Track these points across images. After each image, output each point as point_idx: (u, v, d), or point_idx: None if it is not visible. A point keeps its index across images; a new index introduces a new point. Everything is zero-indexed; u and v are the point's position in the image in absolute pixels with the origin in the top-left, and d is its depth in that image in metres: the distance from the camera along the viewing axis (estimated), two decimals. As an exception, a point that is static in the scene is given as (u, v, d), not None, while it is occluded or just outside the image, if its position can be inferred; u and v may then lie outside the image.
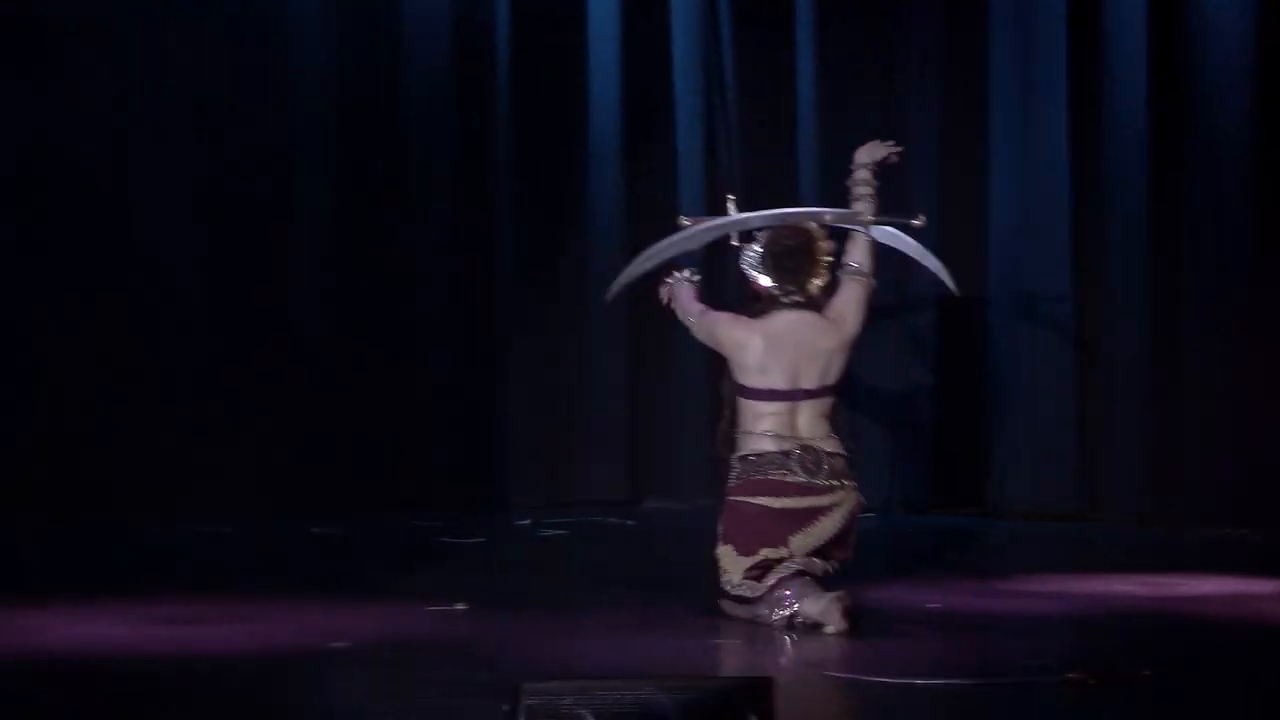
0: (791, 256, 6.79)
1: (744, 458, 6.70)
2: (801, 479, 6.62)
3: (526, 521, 9.23)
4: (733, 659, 6.14)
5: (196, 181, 9.50)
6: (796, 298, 6.75)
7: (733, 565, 6.62)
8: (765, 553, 6.57)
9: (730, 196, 7.33)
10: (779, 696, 4.47)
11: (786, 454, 6.65)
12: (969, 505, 9.80)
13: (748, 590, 6.58)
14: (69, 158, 9.29)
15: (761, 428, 6.68)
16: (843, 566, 6.72)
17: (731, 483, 6.71)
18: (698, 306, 6.87)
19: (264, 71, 9.58)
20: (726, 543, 6.63)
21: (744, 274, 6.87)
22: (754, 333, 6.72)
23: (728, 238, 7.22)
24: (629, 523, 9.40)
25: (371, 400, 9.59)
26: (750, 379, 6.70)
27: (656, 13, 9.92)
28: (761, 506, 6.62)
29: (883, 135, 7.18)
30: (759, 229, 6.98)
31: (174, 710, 5.14)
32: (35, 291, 9.22)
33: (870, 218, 6.91)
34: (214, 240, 9.50)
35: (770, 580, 6.54)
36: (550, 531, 8.97)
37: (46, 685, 5.39)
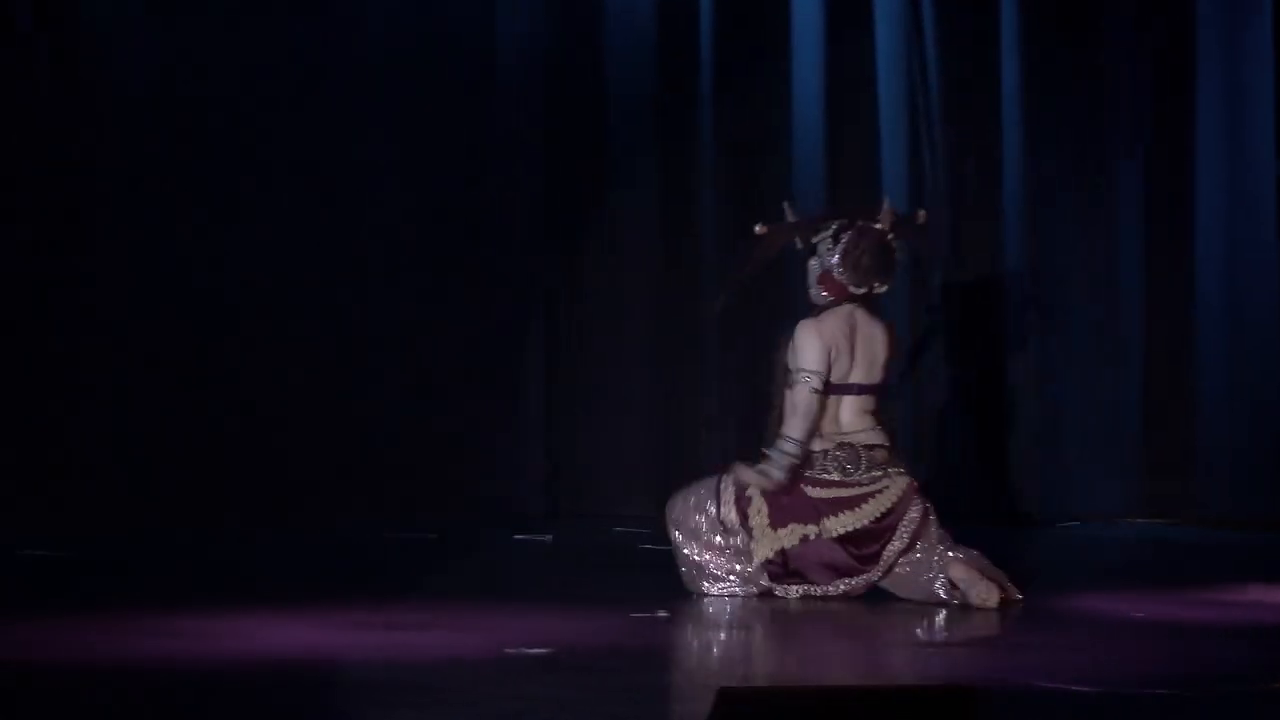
0: (874, 256, 7.00)
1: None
2: (836, 477, 6.91)
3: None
4: (933, 666, 6.06)
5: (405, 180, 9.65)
6: (865, 293, 7.03)
7: (763, 536, 6.90)
8: (794, 527, 6.88)
9: (786, 203, 7.32)
10: (982, 706, 4.40)
11: (825, 453, 6.94)
12: (1170, 514, 9.69)
13: (762, 578, 6.91)
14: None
15: (822, 426, 6.98)
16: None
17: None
18: (805, 387, 6.95)
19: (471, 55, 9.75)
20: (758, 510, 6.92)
21: (818, 271, 7.05)
22: (822, 340, 6.97)
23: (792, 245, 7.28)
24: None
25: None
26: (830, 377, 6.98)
27: (860, 13, 9.86)
28: (801, 491, 6.93)
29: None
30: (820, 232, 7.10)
31: (388, 713, 5.15)
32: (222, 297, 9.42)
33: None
34: (424, 236, 9.68)
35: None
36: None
37: (267, 689, 5.44)
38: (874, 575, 6.91)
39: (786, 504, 6.93)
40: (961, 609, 6.76)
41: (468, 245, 9.82)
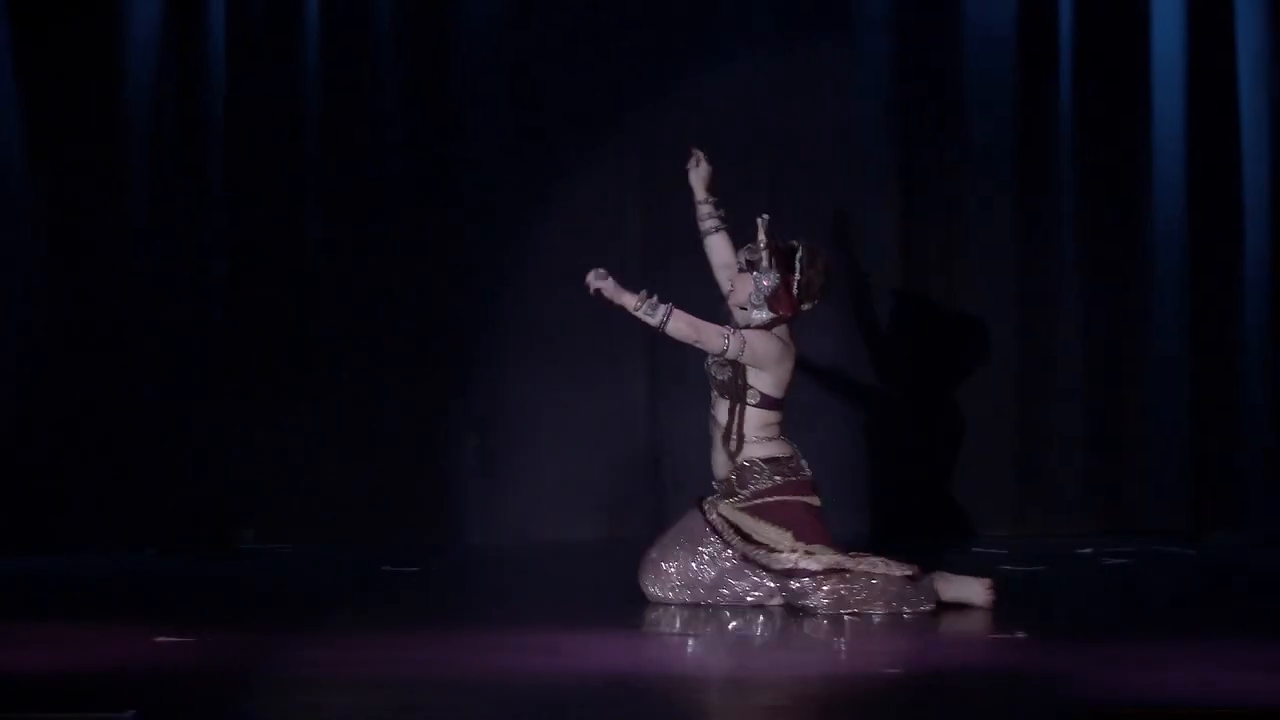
0: (824, 279, 7.25)
1: (773, 460, 7.15)
2: (810, 476, 7.21)
3: (1088, 550, 9.07)
4: None
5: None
6: (807, 310, 7.28)
7: (831, 559, 7.01)
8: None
9: (762, 217, 7.29)
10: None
11: (795, 455, 7.20)
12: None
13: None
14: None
15: (772, 433, 7.17)
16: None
17: (767, 483, 7.13)
18: (715, 326, 7.15)
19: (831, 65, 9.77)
20: (812, 542, 7.02)
21: (769, 288, 7.14)
22: (785, 346, 7.19)
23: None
24: (1188, 552, 9.14)
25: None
26: (780, 390, 7.18)
27: (1221, 39, 9.64)
28: (809, 505, 7.14)
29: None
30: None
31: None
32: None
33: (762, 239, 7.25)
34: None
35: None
36: (1113, 560, 8.79)
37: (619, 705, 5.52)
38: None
39: (819, 529, 7.12)
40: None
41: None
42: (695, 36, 9.72)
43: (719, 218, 7.50)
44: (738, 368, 7.13)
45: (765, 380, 7.16)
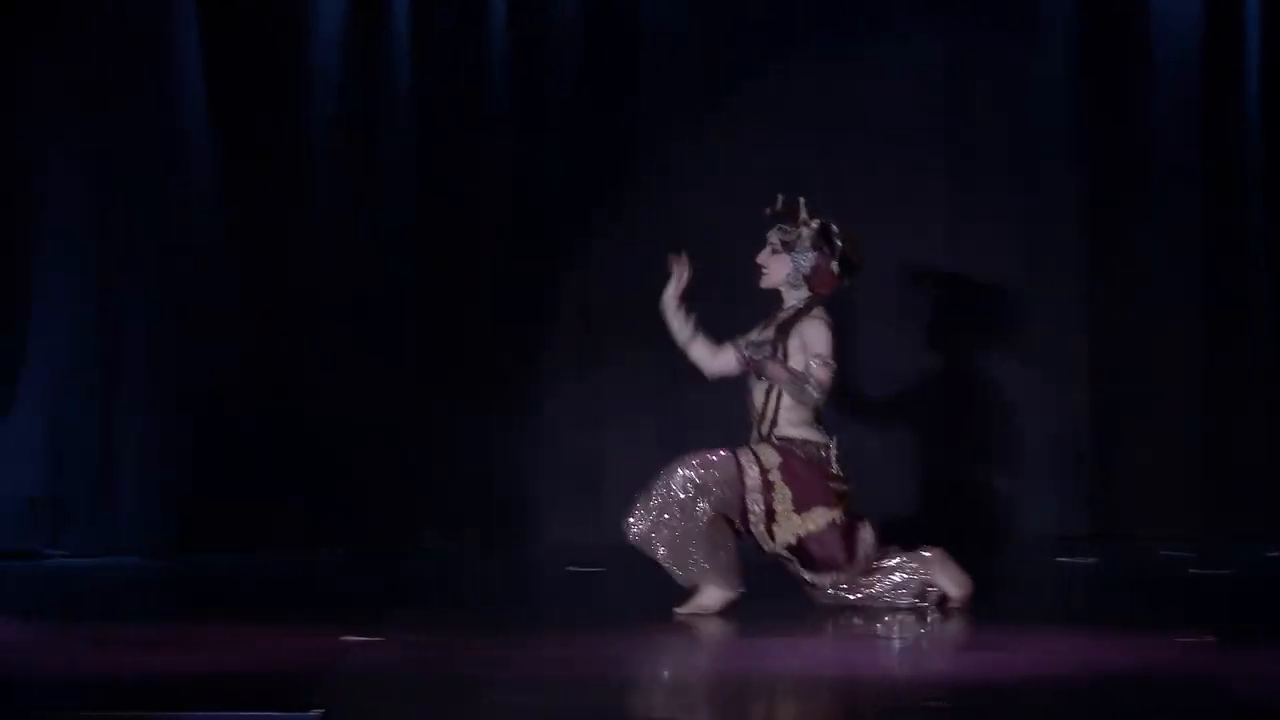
0: (859, 255, 7.19)
1: (805, 441, 7.05)
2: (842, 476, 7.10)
3: (1277, 553, 8.93)
4: None
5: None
6: (847, 289, 7.24)
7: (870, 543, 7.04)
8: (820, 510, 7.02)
9: (801, 198, 7.20)
10: None
11: (828, 445, 7.09)
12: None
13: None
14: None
15: (808, 418, 7.07)
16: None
17: (811, 454, 7.03)
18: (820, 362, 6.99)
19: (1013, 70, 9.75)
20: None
21: (833, 272, 7.10)
22: (833, 333, 7.08)
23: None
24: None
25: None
26: None
27: None
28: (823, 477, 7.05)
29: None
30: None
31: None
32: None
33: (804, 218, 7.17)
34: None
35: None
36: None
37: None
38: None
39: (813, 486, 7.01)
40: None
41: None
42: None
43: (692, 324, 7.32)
44: (776, 348, 7.04)
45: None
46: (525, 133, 9.78)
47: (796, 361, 7.02)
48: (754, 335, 7.14)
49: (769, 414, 7.07)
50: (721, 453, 7.00)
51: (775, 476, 6.98)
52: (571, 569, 8.59)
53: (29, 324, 9.28)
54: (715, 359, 7.25)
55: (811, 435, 7.07)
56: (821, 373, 6.98)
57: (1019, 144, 9.78)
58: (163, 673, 5.83)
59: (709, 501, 6.92)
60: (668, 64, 9.80)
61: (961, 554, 7.21)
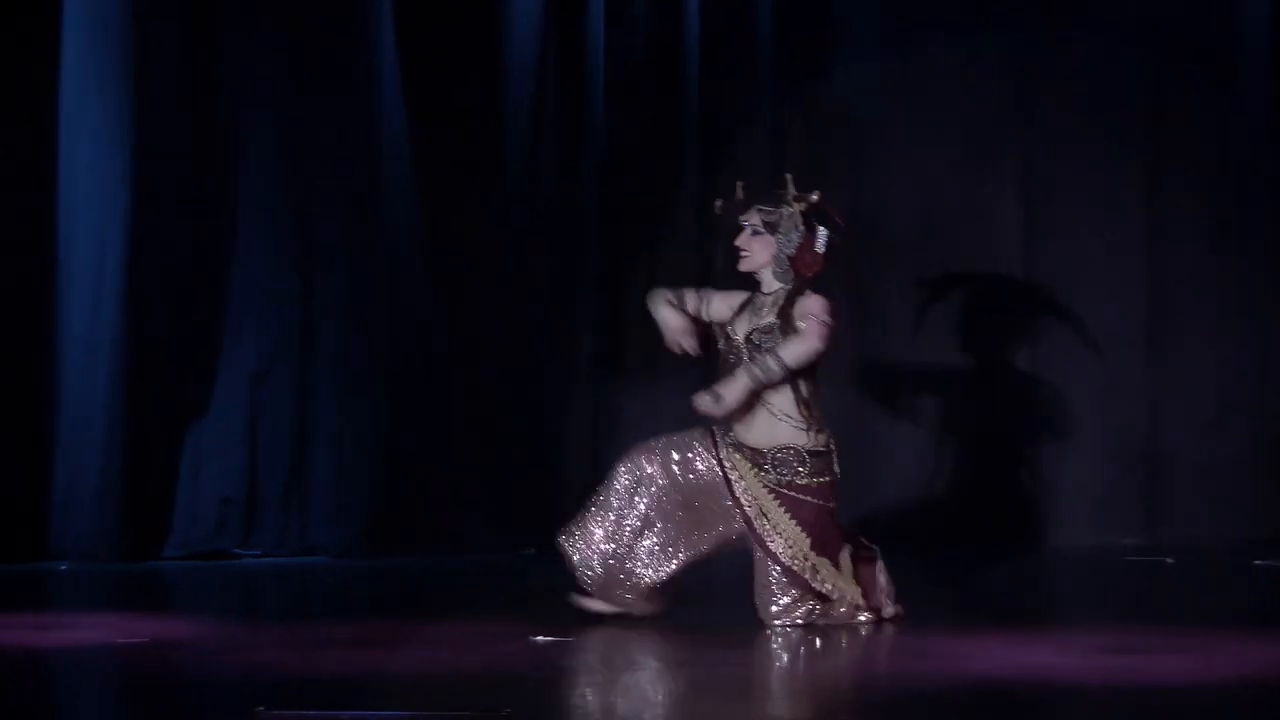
0: (842, 237, 6.89)
1: (816, 454, 6.73)
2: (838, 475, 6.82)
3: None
4: None
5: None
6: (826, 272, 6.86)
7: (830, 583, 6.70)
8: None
9: (740, 183, 6.94)
10: None
11: (833, 450, 6.79)
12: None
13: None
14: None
15: (817, 411, 6.76)
16: None
17: (803, 480, 6.72)
18: (807, 328, 6.68)
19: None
20: (823, 555, 6.69)
21: (819, 252, 6.79)
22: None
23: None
24: None
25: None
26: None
27: None
28: (830, 509, 6.77)
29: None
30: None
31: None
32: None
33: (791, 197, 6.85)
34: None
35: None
36: None
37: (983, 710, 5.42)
38: None
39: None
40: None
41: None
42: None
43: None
44: (789, 334, 6.72)
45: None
46: (711, 121, 9.75)
47: None
48: (738, 327, 6.82)
49: (772, 402, 6.71)
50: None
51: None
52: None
53: (224, 324, 9.38)
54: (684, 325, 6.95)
55: (821, 444, 6.76)
56: (818, 328, 6.66)
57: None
58: (351, 673, 5.86)
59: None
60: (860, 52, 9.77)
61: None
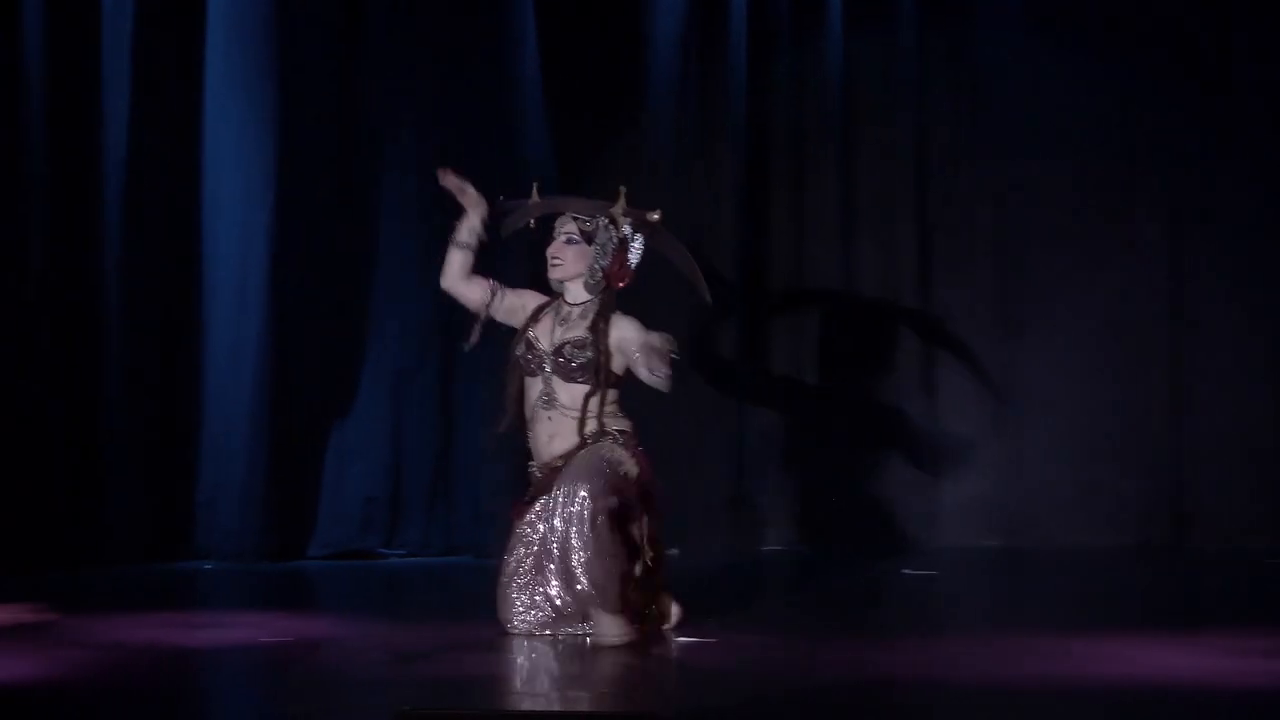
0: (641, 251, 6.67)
1: (623, 432, 6.55)
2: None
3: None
4: None
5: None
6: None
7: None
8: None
9: (535, 182, 6.80)
10: None
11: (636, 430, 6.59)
12: None
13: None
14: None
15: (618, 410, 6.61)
16: None
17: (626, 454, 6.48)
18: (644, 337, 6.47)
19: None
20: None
21: (631, 264, 6.63)
22: None
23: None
24: None
25: None
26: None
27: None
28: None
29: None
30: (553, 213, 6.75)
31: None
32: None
33: (620, 210, 6.59)
34: None
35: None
36: None
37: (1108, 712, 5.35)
38: None
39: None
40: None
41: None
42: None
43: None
44: (600, 349, 6.52)
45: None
46: (851, 125, 9.74)
47: (619, 361, 6.56)
48: (541, 335, 6.65)
49: (588, 413, 6.53)
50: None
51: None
52: (906, 572, 8.52)
53: (368, 324, 9.42)
54: (468, 282, 6.81)
55: (627, 425, 6.61)
56: (666, 356, 6.41)
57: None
58: (496, 674, 5.86)
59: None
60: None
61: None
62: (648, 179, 9.39)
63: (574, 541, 6.31)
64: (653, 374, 6.41)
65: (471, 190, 6.74)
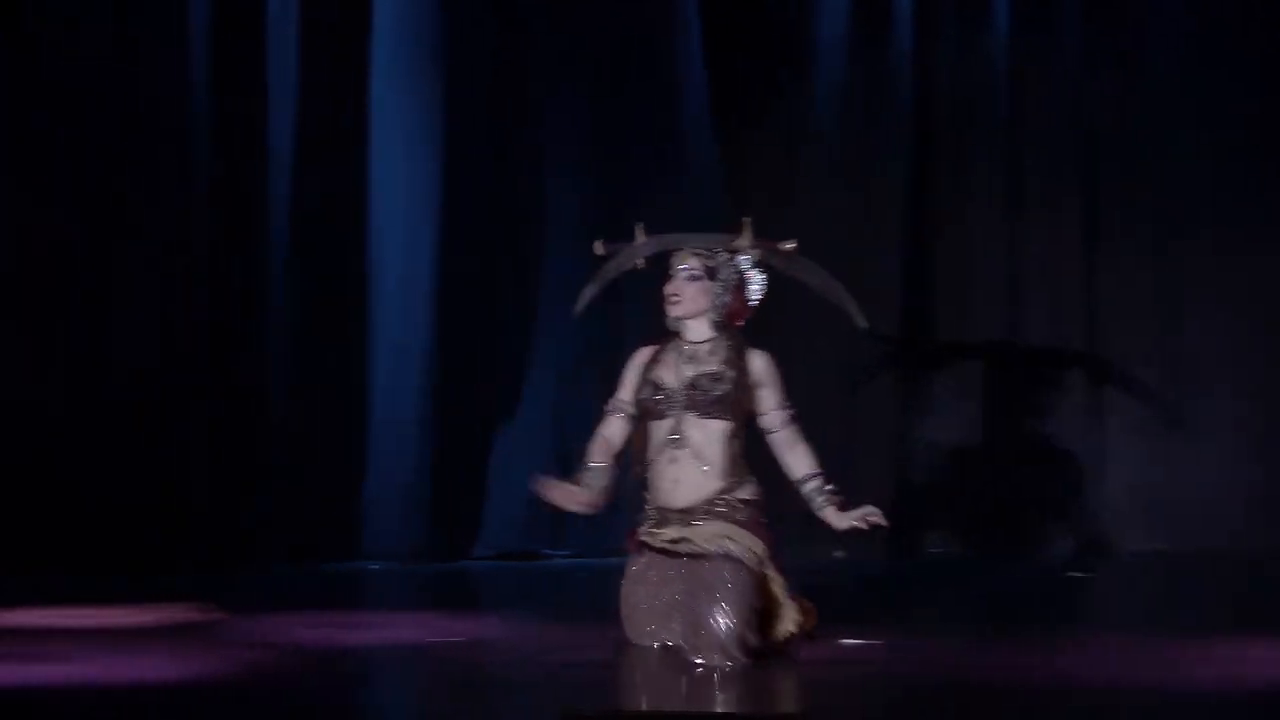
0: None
1: (751, 503, 6.27)
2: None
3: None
4: None
5: None
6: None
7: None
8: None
9: (639, 224, 6.43)
10: None
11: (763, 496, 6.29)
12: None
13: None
14: None
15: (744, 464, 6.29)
16: None
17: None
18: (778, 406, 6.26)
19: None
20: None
21: (751, 299, 6.34)
22: None
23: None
24: None
25: None
26: None
27: None
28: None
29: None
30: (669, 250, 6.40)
31: None
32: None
33: (746, 243, 6.32)
34: None
35: None
36: None
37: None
38: None
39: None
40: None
41: None
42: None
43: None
44: (740, 383, 6.24)
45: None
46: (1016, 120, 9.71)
47: (766, 401, 6.29)
48: (665, 376, 6.38)
49: (717, 455, 6.27)
50: None
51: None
52: (1071, 574, 8.48)
53: (532, 326, 9.47)
54: (611, 460, 6.64)
55: (755, 494, 6.29)
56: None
57: None
58: (652, 674, 5.87)
59: None
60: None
61: None
62: (812, 192, 9.43)
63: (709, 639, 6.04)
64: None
65: (574, 490, 6.64)
